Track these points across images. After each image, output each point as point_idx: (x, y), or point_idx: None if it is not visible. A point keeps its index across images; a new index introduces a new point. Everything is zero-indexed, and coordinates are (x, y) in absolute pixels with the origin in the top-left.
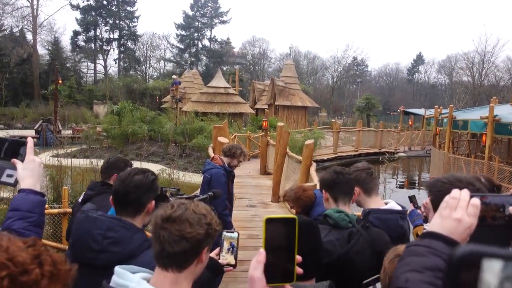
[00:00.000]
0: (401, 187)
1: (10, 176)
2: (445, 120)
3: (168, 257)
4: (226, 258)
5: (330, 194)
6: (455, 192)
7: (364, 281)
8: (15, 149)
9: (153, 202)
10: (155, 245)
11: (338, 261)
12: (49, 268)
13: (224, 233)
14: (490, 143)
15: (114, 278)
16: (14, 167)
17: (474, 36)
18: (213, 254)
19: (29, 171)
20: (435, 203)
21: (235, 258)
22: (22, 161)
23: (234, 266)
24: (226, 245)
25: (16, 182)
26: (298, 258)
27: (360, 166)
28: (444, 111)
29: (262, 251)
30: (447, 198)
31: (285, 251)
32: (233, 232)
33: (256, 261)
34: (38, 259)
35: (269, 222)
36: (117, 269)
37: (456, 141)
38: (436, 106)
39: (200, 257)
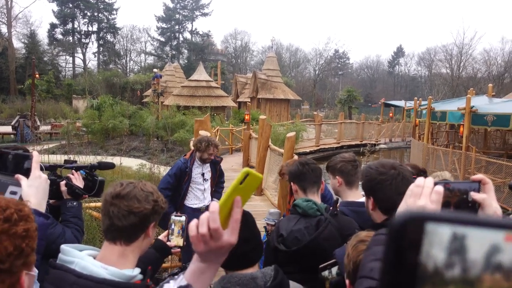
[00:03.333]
0: None
1: (13, 193)
2: (424, 111)
3: (117, 230)
4: (174, 240)
5: (298, 185)
6: (419, 180)
7: (320, 265)
8: (18, 162)
9: None
10: (104, 220)
11: (307, 248)
12: (24, 207)
13: (173, 216)
14: (467, 134)
15: (60, 255)
16: (18, 183)
17: (453, 29)
18: (161, 237)
19: (35, 189)
20: (364, 189)
21: (185, 240)
22: (27, 176)
23: (182, 247)
24: (175, 228)
25: (21, 199)
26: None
27: (346, 157)
28: (423, 102)
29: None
30: (411, 186)
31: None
32: (181, 216)
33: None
34: (16, 202)
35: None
36: (63, 247)
37: (435, 132)
38: (416, 98)
39: (147, 232)
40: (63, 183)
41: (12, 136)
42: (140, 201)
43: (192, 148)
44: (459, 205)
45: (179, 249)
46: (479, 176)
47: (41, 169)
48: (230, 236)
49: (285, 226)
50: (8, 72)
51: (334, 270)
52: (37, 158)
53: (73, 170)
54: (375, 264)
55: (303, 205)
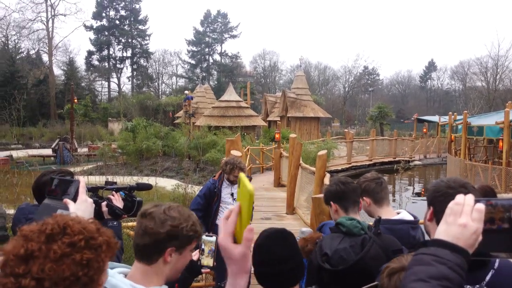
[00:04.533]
0: (418, 195)
1: None
2: (459, 126)
3: (137, 249)
4: (204, 260)
5: (339, 205)
6: (459, 197)
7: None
8: (65, 187)
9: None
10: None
11: (353, 268)
12: (106, 238)
13: (203, 236)
14: (507, 149)
15: None
16: (66, 207)
17: (487, 41)
18: (194, 256)
19: (81, 212)
20: (428, 197)
21: (214, 260)
22: (74, 200)
23: (212, 268)
24: (206, 248)
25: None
26: (250, 227)
27: (369, 176)
28: (458, 117)
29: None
30: (451, 204)
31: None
32: (211, 236)
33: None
34: (99, 230)
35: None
36: None
37: (472, 147)
38: (450, 113)
39: (164, 257)
40: (104, 204)
41: (52, 158)
42: (156, 223)
43: (220, 170)
44: (503, 221)
45: (208, 269)
46: None
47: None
48: (241, 247)
49: (329, 245)
50: (49, 98)
51: None
52: (83, 183)
53: (114, 192)
54: (417, 284)
55: (347, 223)
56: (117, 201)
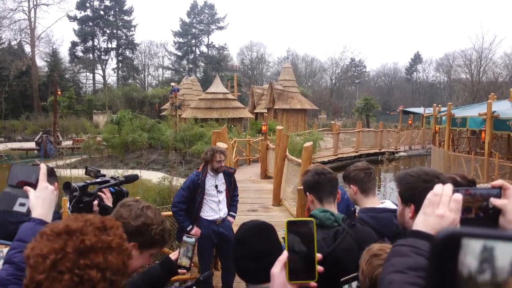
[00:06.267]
0: None
1: (22, 204)
2: (444, 118)
3: None
4: (182, 260)
5: (315, 195)
6: (437, 188)
7: (342, 279)
8: (26, 175)
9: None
10: None
11: (325, 260)
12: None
13: (184, 237)
14: (490, 140)
15: None
16: (27, 195)
17: (471, 33)
18: (172, 256)
19: (41, 200)
20: (403, 196)
21: (191, 261)
22: (35, 188)
23: (188, 269)
24: (182, 249)
25: (29, 211)
26: (318, 256)
27: (359, 165)
28: (443, 109)
29: (285, 251)
30: (429, 195)
31: (305, 250)
32: (191, 238)
33: (278, 260)
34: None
35: (290, 224)
36: None
37: (456, 138)
38: (435, 105)
39: None
40: (95, 203)
41: (35, 152)
42: (131, 215)
43: (203, 162)
44: (481, 211)
45: (185, 270)
46: (499, 182)
47: (75, 189)
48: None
49: None
50: (32, 90)
51: (354, 284)
52: (44, 170)
53: (104, 190)
54: (395, 276)
55: (320, 215)
56: (108, 199)
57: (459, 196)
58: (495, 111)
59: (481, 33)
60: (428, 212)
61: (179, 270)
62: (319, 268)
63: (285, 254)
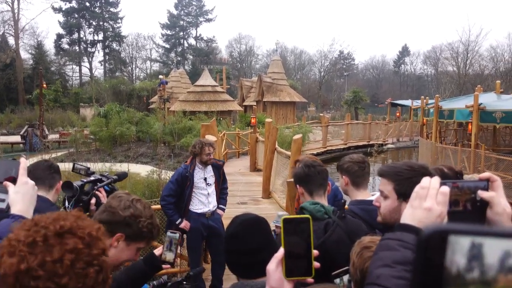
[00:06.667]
0: None
1: (2, 200)
2: (431, 110)
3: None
4: (166, 256)
5: (305, 188)
6: (424, 181)
7: (333, 273)
8: (5, 169)
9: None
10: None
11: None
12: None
13: (168, 233)
14: (476, 131)
15: None
16: (6, 190)
17: (458, 26)
18: (156, 251)
19: (21, 195)
20: (399, 191)
21: (175, 256)
22: (15, 183)
23: (172, 264)
24: (166, 244)
25: (8, 207)
26: (315, 252)
27: (355, 158)
28: (430, 101)
29: (281, 248)
30: (417, 188)
31: (301, 247)
32: (175, 233)
33: (274, 257)
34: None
35: (286, 221)
36: None
37: (443, 130)
38: (423, 97)
39: (111, 239)
40: (93, 202)
41: (21, 145)
42: (120, 205)
43: (191, 155)
44: (468, 203)
45: (169, 265)
46: (486, 174)
47: (76, 189)
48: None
49: None
50: (17, 83)
51: (346, 278)
52: (24, 164)
53: (100, 188)
54: (382, 270)
55: (310, 208)
56: (104, 197)
57: (446, 189)
58: (481, 103)
59: (467, 25)
60: (415, 205)
61: (163, 266)
62: (316, 264)
63: (281, 251)
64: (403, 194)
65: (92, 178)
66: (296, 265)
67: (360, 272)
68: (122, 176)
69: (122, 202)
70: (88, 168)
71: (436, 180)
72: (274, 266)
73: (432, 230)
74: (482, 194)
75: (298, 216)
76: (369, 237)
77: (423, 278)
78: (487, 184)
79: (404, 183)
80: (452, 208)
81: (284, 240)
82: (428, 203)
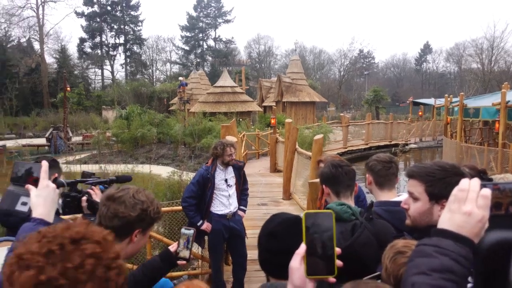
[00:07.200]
0: None
1: (24, 204)
2: (455, 108)
3: None
4: (181, 252)
5: (331, 188)
6: (463, 183)
7: (364, 279)
8: (28, 173)
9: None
10: (97, 218)
11: (343, 254)
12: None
13: (183, 229)
14: (504, 130)
15: None
16: (29, 194)
17: (482, 22)
18: (172, 248)
19: (42, 199)
20: (432, 192)
21: (190, 253)
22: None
23: (188, 260)
24: (182, 240)
25: (30, 210)
26: (338, 250)
27: (381, 157)
28: (454, 99)
29: (302, 244)
30: (455, 191)
31: (323, 244)
32: (190, 229)
33: (296, 253)
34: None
35: (308, 216)
36: None
37: (468, 129)
38: (446, 95)
39: (131, 237)
40: (84, 199)
41: (46, 148)
42: (127, 207)
43: (212, 157)
44: (511, 206)
45: (184, 262)
46: None
47: (64, 185)
48: None
49: None
50: (42, 87)
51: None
52: (46, 167)
53: (93, 186)
54: (418, 278)
55: (337, 209)
56: (97, 195)
57: (488, 192)
58: (509, 101)
59: (492, 21)
60: (454, 209)
61: (178, 262)
62: (339, 262)
63: (303, 248)
64: (436, 196)
65: (90, 179)
66: (318, 263)
67: (394, 278)
68: (124, 178)
69: (126, 202)
70: (93, 174)
71: (476, 182)
72: (297, 263)
73: (495, 240)
74: None
75: (320, 211)
76: (402, 241)
77: None
78: None
79: (437, 184)
80: (493, 211)
81: (306, 236)
82: (467, 207)
